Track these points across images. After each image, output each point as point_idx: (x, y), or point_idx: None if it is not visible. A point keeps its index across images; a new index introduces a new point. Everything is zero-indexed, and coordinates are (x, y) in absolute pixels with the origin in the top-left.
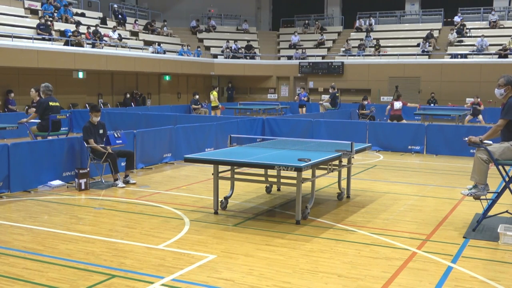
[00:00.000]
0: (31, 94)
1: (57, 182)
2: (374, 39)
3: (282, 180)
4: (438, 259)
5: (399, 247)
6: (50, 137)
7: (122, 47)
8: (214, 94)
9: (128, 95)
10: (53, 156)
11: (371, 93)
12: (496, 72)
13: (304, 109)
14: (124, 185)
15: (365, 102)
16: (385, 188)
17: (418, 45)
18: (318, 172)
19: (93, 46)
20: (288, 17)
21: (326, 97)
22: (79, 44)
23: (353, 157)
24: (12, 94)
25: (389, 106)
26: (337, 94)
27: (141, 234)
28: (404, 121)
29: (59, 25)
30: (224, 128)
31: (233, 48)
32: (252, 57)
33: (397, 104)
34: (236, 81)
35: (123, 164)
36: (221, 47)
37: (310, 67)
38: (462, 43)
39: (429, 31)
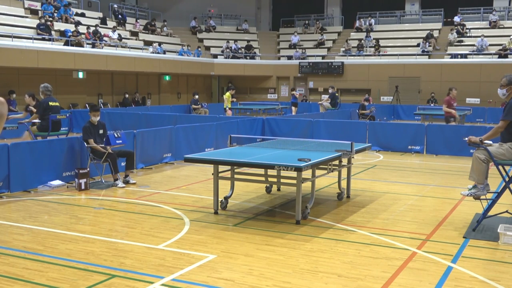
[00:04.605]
0: (26, 100)
1: (57, 182)
2: (374, 39)
3: (282, 180)
4: (438, 259)
5: (399, 247)
6: (49, 137)
7: (122, 47)
8: (226, 95)
9: (127, 96)
10: (53, 156)
11: (371, 93)
12: (496, 72)
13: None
14: (124, 185)
15: (366, 103)
16: (385, 188)
17: (418, 45)
18: (318, 172)
19: (93, 46)
20: (288, 17)
21: (325, 97)
22: (79, 44)
23: (353, 157)
24: (14, 95)
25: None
26: (336, 94)
27: (141, 234)
28: (452, 123)
29: (59, 25)
30: (224, 128)
31: (233, 48)
32: (252, 57)
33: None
34: (236, 81)
35: (123, 164)
36: (221, 47)
37: (310, 67)
38: (462, 43)
39: (429, 31)
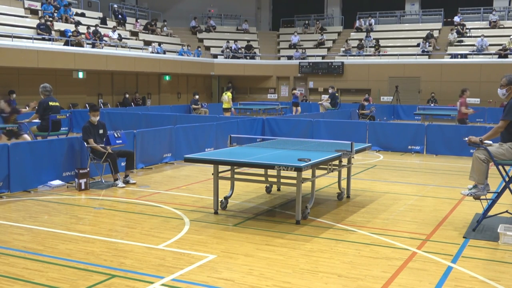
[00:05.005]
0: (1, 105)
1: (57, 182)
2: (374, 39)
3: (282, 180)
4: (438, 259)
5: (399, 247)
6: (49, 137)
7: (122, 47)
8: (228, 95)
9: (127, 96)
10: (53, 156)
11: (371, 93)
12: (496, 72)
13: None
14: (124, 185)
15: (366, 103)
16: (385, 188)
17: (418, 45)
18: (318, 172)
19: (93, 46)
20: (288, 17)
21: (325, 97)
22: (79, 44)
23: (353, 157)
24: (14, 95)
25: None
26: (336, 94)
27: (141, 234)
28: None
29: (59, 25)
30: (224, 128)
31: (233, 48)
32: (252, 57)
33: (458, 104)
34: (236, 81)
35: (123, 164)
36: (221, 47)
37: (310, 67)
38: (462, 43)
39: (429, 31)
